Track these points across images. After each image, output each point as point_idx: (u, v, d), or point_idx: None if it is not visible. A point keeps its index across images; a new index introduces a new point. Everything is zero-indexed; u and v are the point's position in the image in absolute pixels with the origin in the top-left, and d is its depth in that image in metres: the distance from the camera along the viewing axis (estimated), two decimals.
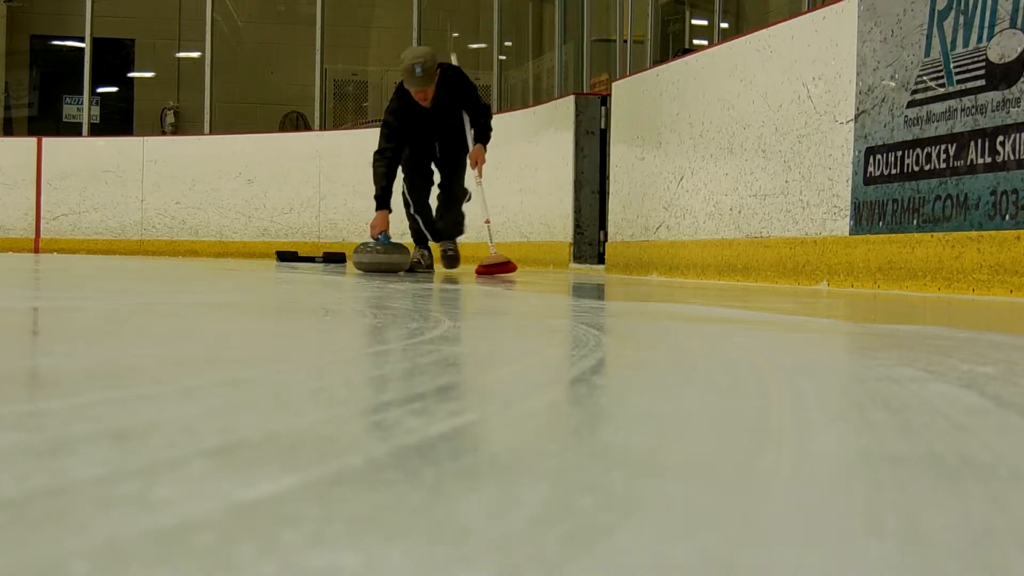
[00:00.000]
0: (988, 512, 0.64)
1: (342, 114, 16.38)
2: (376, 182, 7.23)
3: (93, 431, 0.85)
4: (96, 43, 13.46)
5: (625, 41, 9.96)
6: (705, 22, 13.05)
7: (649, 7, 9.67)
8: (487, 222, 7.45)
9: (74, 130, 14.40)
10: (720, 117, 6.68)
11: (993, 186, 4.44)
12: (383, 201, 7.22)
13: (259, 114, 16.21)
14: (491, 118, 7.75)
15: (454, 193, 7.78)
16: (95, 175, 12.68)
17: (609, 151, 8.82)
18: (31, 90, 16.96)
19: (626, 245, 7.98)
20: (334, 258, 9.98)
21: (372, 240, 7.10)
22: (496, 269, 7.11)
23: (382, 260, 7.03)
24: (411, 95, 7.29)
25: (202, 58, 13.22)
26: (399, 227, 8.84)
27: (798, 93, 5.84)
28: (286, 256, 10.64)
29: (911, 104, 4.94)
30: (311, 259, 10.29)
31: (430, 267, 7.76)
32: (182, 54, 16.52)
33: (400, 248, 7.14)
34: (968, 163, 4.58)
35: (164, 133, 16.05)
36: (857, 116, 5.33)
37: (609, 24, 11.13)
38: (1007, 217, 4.39)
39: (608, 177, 8.82)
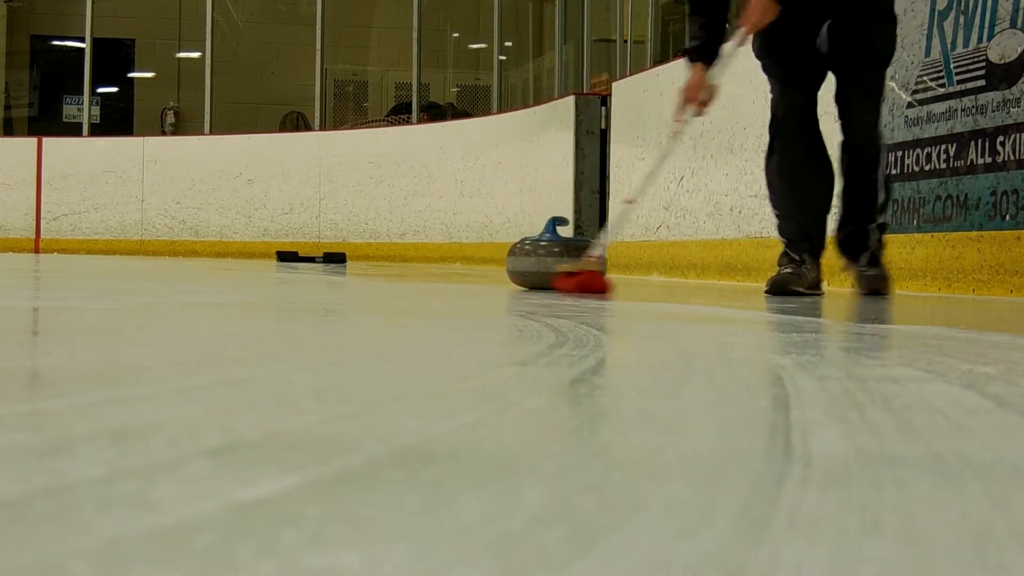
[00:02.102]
0: (988, 512, 0.64)
1: (342, 114, 16.38)
2: (689, 38, 4.58)
3: (93, 431, 0.85)
4: (96, 43, 13.46)
5: (625, 41, 9.97)
6: None
7: (649, 7, 9.67)
8: (628, 201, 4.58)
9: (74, 130, 14.40)
10: (720, 117, 6.68)
11: (993, 186, 4.44)
12: (697, 52, 4.41)
13: (259, 114, 16.21)
14: None
15: (861, 136, 4.36)
16: (95, 175, 12.68)
17: (609, 151, 8.82)
18: (31, 90, 16.97)
19: (626, 245, 7.98)
20: (334, 258, 9.98)
21: (551, 235, 4.50)
22: (586, 284, 3.98)
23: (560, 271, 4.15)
24: None
25: (202, 58, 13.22)
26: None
27: None
28: (286, 256, 10.65)
29: (911, 104, 4.94)
30: (311, 259, 10.29)
31: (812, 286, 4.43)
32: (182, 54, 16.52)
33: (584, 248, 4.37)
34: (968, 163, 4.58)
35: (164, 133, 16.05)
36: None
37: (609, 24, 11.13)
38: (1007, 217, 4.39)
39: (608, 177, 8.82)
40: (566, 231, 4.22)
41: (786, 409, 1.09)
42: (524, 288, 4.46)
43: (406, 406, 1.07)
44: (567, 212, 9.38)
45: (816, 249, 4.44)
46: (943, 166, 4.73)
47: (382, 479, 0.69)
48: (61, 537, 0.53)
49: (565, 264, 4.17)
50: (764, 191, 5.24)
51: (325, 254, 10.39)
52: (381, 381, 1.29)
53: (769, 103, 4.56)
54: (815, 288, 4.42)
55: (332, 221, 12.03)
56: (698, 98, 4.37)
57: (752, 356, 1.73)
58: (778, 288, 4.35)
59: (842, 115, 4.42)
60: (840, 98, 4.43)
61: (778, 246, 4.48)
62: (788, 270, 4.42)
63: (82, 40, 13.47)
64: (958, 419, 1.02)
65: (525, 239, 4.62)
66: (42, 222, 12.79)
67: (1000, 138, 4.42)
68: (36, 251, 12.63)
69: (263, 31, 16.79)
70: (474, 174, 10.94)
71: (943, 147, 4.72)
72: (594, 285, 3.96)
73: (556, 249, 4.35)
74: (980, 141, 4.52)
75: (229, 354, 1.66)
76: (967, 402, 1.16)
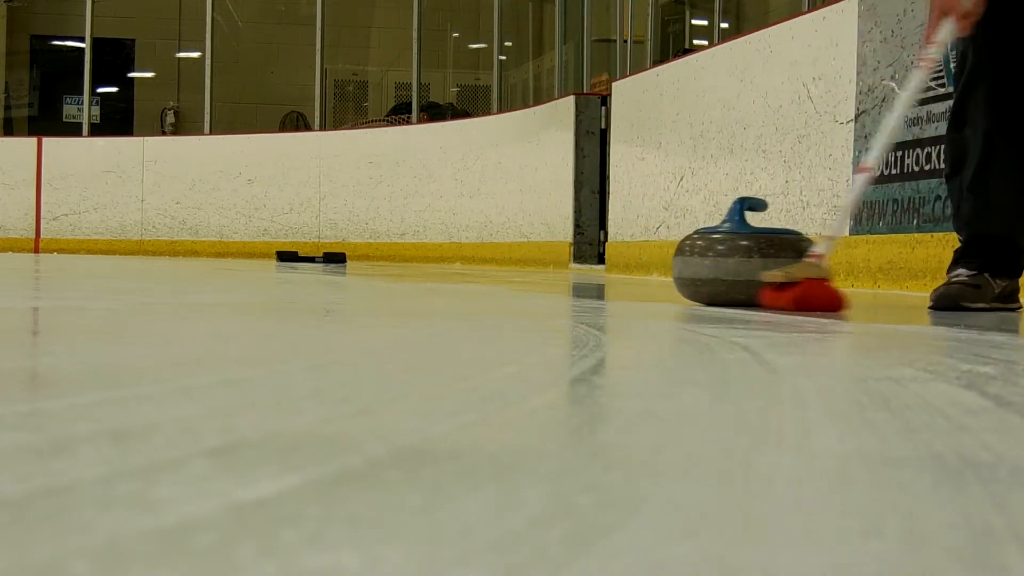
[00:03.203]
0: (988, 512, 0.64)
1: (342, 114, 16.38)
2: None
3: (93, 431, 0.85)
4: (96, 43, 13.46)
5: (625, 41, 9.97)
6: (705, 22, 13.06)
7: (649, 7, 9.68)
8: (865, 169, 3.12)
9: (74, 130, 14.40)
10: (720, 117, 6.68)
11: None
12: None
13: (259, 114, 16.21)
14: None
15: None
16: (95, 175, 12.68)
17: (609, 151, 8.82)
18: (31, 90, 16.96)
19: (626, 245, 7.97)
20: (334, 258, 9.98)
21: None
22: (807, 298, 2.84)
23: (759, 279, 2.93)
24: None
25: (202, 58, 13.22)
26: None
27: (798, 93, 5.84)
28: (286, 256, 10.65)
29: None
30: (311, 259, 10.30)
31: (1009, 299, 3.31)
32: (182, 54, 16.52)
33: (791, 243, 3.15)
34: None
35: (164, 133, 16.05)
36: (857, 116, 5.32)
37: (609, 24, 11.14)
38: None
39: (608, 177, 8.82)
40: (758, 219, 2.96)
41: (786, 409, 1.09)
42: (701, 303, 3.08)
43: (406, 406, 1.07)
44: (567, 212, 9.37)
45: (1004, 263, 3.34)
46: (943, 166, 4.72)
47: (382, 479, 0.69)
48: (61, 537, 0.53)
49: (775, 272, 2.88)
50: (762, 191, 5.21)
51: (325, 254, 10.39)
52: (381, 381, 1.29)
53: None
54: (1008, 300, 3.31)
55: (332, 221, 12.03)
56: (960, 8, 3.20)
57: (752, 356, 1.73)
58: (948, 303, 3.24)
59: None
60: None
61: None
62: (962, 279, 3.29)
63: (82, 40, 13.46)
64: (958, 419, 1.02)
65: (698, 232, 3.24)
66: (42, 222, 12.79)
67: None
68: (36, 251, 12.63)
69: (263, 31, 16.78)
70: (474, 174, 10.94)
71: (943, 147, 4.72)
72: (820, 299, 2.83)
73: (748, 244, 2.96)
74: None
75: (229, 354, 1.66)
76: (967, 402, 1.16)
